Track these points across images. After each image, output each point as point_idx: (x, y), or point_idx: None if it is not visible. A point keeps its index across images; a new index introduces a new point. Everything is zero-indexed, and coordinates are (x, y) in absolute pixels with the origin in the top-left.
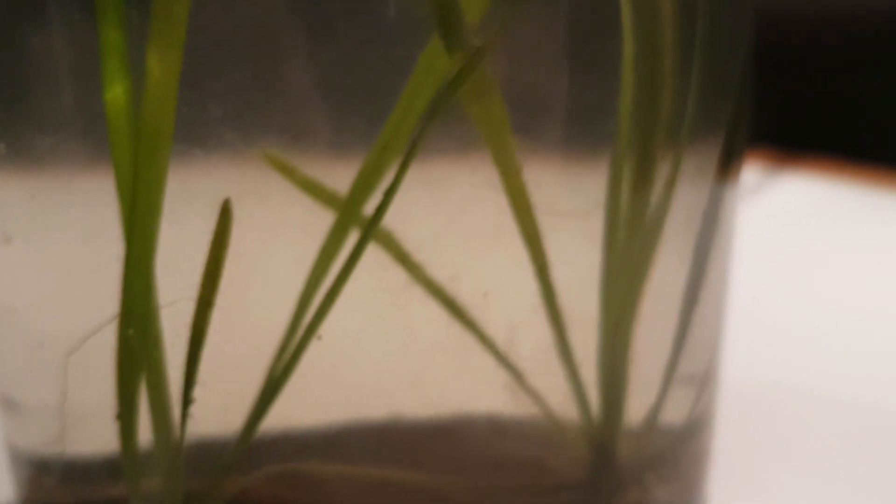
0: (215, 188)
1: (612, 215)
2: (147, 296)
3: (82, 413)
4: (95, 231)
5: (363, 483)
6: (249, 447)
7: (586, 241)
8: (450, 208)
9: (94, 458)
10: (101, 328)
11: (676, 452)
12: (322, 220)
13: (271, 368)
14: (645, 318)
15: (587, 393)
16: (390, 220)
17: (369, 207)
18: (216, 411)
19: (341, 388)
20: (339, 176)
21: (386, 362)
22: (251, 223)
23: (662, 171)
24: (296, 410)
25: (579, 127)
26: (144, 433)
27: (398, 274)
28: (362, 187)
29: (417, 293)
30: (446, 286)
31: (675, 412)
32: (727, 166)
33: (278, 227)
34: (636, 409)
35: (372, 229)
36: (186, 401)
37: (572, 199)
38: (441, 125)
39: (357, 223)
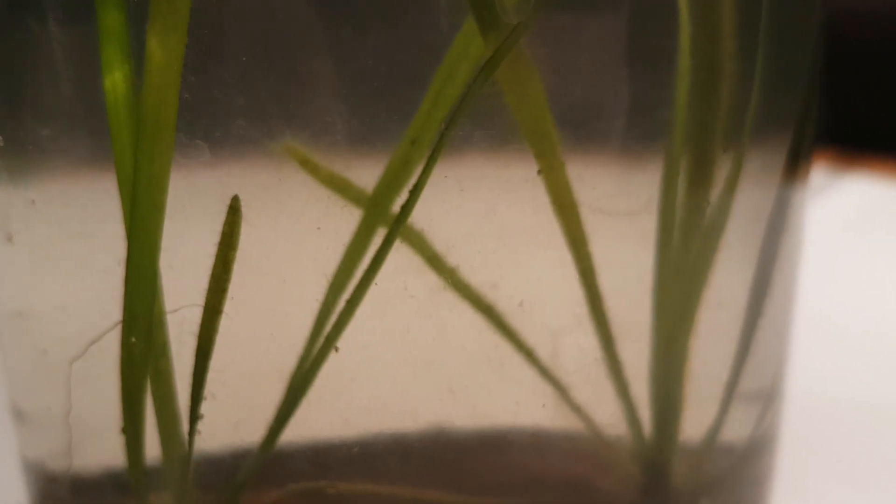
0: (228, 184)
1: (667, 216)
2: (151, 301)
3: (89, 425)
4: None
5: (393, 503)
6: (267, 462)
7: (637, 243)
8: (484, 207)
9: (103, 471)
10: (105, 335)
11: (736, 476)
12: (345, 220)
13: (291, 379)
14: (703, 329)
15: (638, 409)
16: (421, 221)
17: (398, 206)
18: (229, 424)
19: (368, 399)
20: (364, 173)
21: (418, 373)
22: (268, 224)
23: (723, 169)
24: (318, 423)
25: (630, 119)
26: (154, 446)
27: (430, 278)
28: (390, 184)
29: (451, 299)
30: (485, 293)
31: (735, 432)
32: (795, 165)
33: (298, 228)
34: (692, 427)
35: (398, 229)
36: (194, 415)
37: (622, 198)
38: (477, 116)
39: (384, 222)
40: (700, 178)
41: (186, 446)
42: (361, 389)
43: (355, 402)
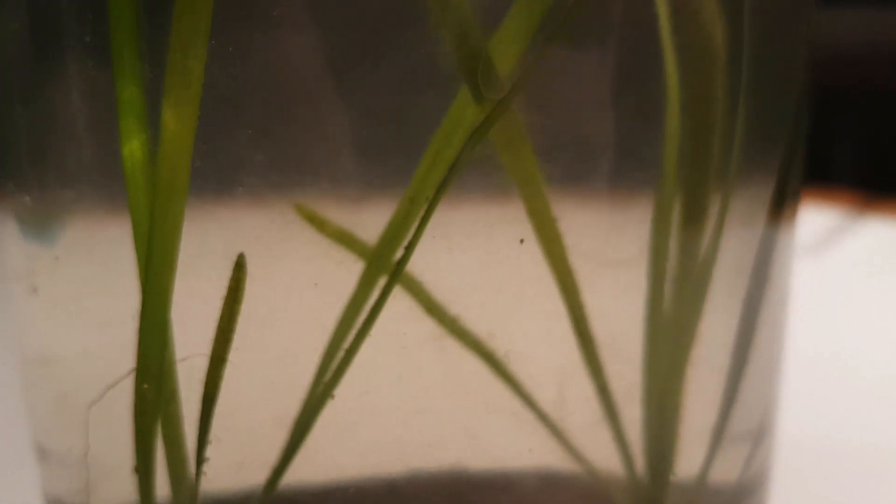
0: (237, 241)
1: (657, 264)
2: (162, 350)
3: (106, 464)
4: (115, 284)
5: None
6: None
7: (629, 292)
8: (487, 260)
9: None
10: (120, 381)
11: None
12: (342, 275)
13: (295, 424)
14: (693, 375)
15: (633, 450)
16: (423, 273)
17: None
18: (235, 467)
19: (372, 443)
20: (367, 228)
21: (421, 418)
22: (275, 277)
23: (710, 218)
24: (324, 467)
25: (621, 174)
26: (164, 486)
27: (432, 327)
28: (390, 240)
29: (455, 347)
30: (483, 341)
31: (726, 472)
32: (779, 211)
33: (299, 283)
34: (685, 467)
35: (394, 283)
36: (200, 458)
37: (615, 248)
38: (478, 175)
39: (384, 275)
40: (691, 227)
41: (194, 486)
42: (362, 434)
43: (364, 446)
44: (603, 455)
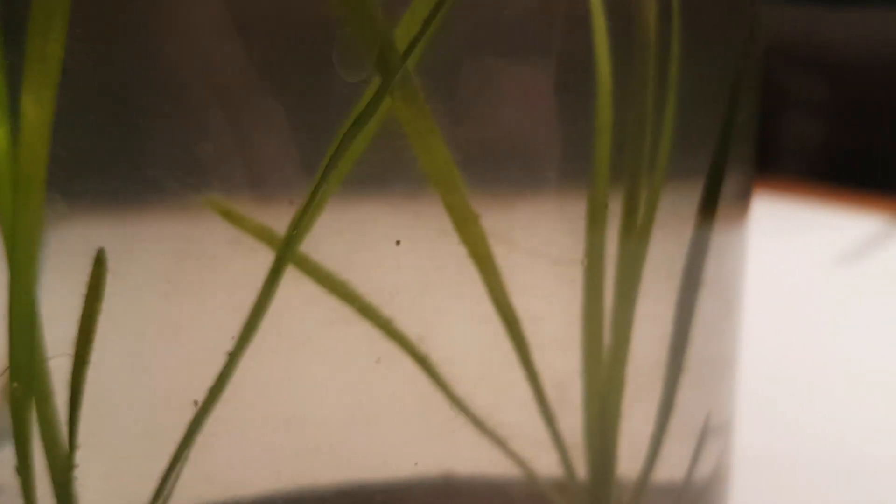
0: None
1: (593, 262)
2: (30, 348)
3: None
4: None
5: None
6: None
7: (564, 291)
8: (411, 259)
9: None
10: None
11: None
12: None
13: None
14: (632, 374)
15: (573, 452)
16: (351, 273)
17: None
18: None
19: (297, 452)
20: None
21: (350, 423)
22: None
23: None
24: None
25: (553, 170)
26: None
27: (361, 329)
28: (291, 239)
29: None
30: (415, 344)
31: (670, 471)
32: (711, 209)
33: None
34: (628, 468)
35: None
36: (69, 463)
37: (549, 247)
38: (395, 168)
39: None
40: (627, 219)
41: (72, 492)
42: (294, 441)
43: (289, 455)
44: (542, 457)
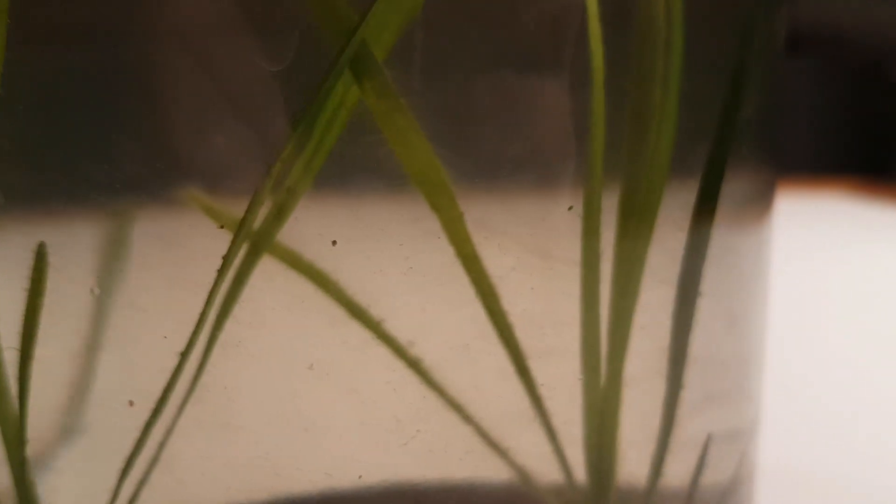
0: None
1: (589, 263)
2: None
3: None
4: None
5: None
6: None
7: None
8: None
9: None
10: None
11: None
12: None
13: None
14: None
15: (572, 457)
16: (340, 277)
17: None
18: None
19: (278, 457)
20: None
21: (343, 426)
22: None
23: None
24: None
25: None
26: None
27: (353, 330)
28: (263, 234)
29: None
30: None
31: (679, 479)
32: (709, 210)
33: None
34: (629, 474)
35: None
36: (20, 457)
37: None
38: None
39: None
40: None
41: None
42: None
43: (271, 460)
44: (539, 462)
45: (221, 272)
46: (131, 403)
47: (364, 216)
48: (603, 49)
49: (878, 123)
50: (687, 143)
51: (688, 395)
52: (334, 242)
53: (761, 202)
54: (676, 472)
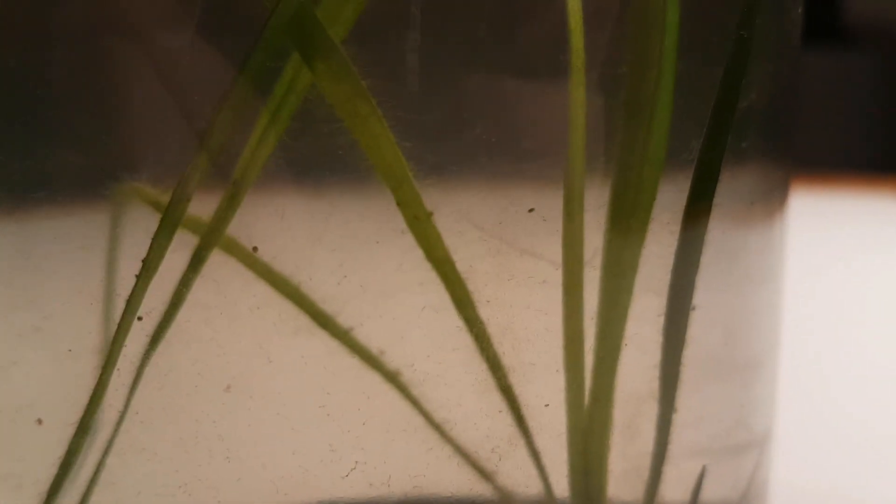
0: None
1: (571, 265)
2: None
3: None
4: None
5: None
6: None
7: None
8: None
9: None
10: None
11: None
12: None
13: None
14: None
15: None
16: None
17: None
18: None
19: (261, 472)
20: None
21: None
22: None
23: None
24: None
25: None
26: None
27: (322, 341)
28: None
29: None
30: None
31: (680, 493)
32: (703, 207)
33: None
34: (620, 492)
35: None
36: None
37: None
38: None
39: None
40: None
41: None
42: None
43: (248, 475)
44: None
45: (142, 275)
46: (40, 422)
47: (318, 212)
48: (582, 30)
49: None
50: (683, 135)
51: (684, 412)
52: (255, 248)
53: (771, 199)
54: (675, 492)
